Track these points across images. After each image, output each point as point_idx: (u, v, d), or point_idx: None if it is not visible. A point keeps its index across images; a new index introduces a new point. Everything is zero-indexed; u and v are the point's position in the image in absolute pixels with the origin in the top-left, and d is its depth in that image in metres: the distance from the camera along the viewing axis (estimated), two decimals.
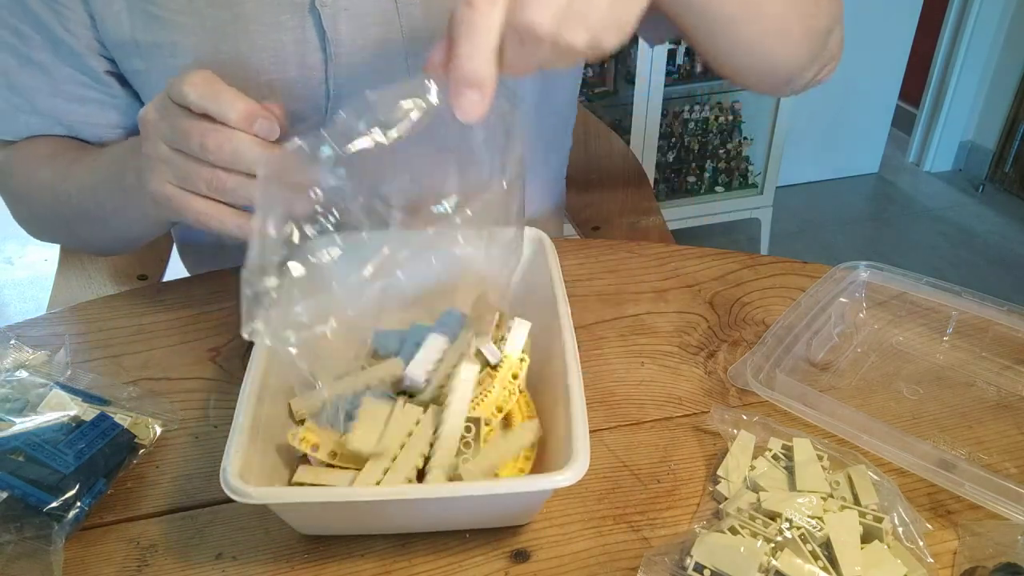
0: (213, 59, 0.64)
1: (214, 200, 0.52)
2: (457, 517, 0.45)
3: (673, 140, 2.12)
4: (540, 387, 0.53)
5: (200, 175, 0.51)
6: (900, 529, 0.43)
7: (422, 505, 0.42)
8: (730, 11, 0.56)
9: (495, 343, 0.52)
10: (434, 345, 0.50)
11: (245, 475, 0.40)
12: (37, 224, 0.75)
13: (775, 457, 0.48)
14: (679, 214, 2.10)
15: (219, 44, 0.63)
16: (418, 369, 0.49)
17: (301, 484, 0.45)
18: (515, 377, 0.50)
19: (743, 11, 0.56)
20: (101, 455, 0.47)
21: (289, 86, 0.66)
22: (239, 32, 0.63)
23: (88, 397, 0.52)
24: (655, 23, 0.63)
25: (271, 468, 0.45)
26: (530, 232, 0.58)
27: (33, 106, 0.69)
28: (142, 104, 0.69)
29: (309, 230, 0.44)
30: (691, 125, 2.12)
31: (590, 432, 0.42)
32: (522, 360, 0.52)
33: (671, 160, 2.14)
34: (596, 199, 1.01)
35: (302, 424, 0.50)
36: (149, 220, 0.62)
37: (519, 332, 0.53)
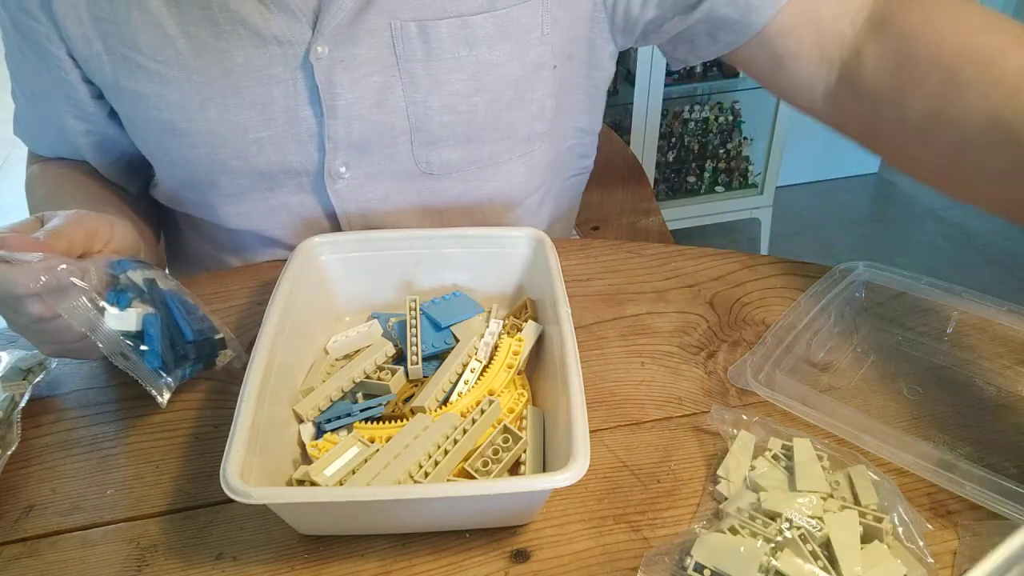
0: (198, 115, 0.62)
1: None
2: (457, 517, 0.45)
3: (673, 140, 2.12)
4: (540, 387, 0.53)
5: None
6: (900, 529, 0.43)
7: (421, 505, 0.42)
8: None
9: (508, 334, 0.54)
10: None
11: (245, 475, 0.40)
12: None
13: (775, 457, 0.48)
14: (679, 214, 2.10)
15: (206, 100, 0.61)
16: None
17: (301, 484, 0.45)
18: (516, 354, 0.53)
19: None
20: (207, 344, 0.54)
21: (278, 142, 0.63)
22: (228, 88, 0.61)
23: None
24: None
25: (271, 468, 0.44)
26: (531, 232, 0.59)
27: (48, 132, 0.72)
28: (133, 144, 0.69)
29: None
30: (691, 125, 2.12)
31: (590, 432, 0.42)
32: (520, 340, 0.53)
33: (671, 160, 2.14)
34: (596, 199, 1.01)
35: (301, 424, 0.50)
36: None
37: (529, 334, 0.54)
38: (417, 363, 0.53)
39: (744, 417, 0.50)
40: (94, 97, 0.66)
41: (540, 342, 0.55)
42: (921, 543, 0.42)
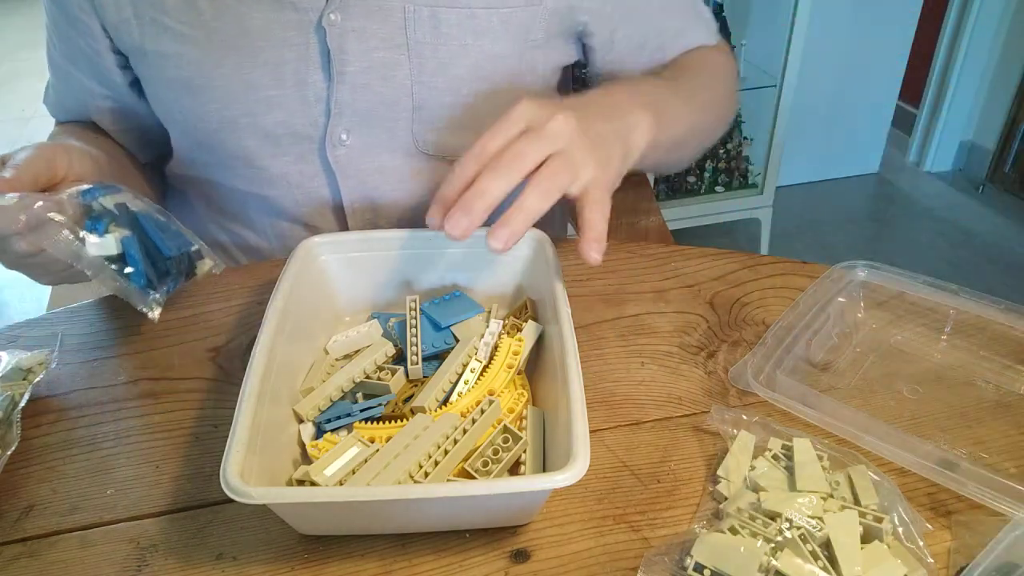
0: (214, 72, 0.65)
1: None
2: (457, 517, 0.45)
3: None
4: (540, 387, 0.53)
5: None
6: (900, 529, 0.43)
7: (421, 505, 0.42)
8: (662, 161, 0.74)
9: (509, 334, 0.54)
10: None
11: (245, 475, 0.40)
12: None
13: (775, 457, 0.48)
14: (679, 214, 2.09)
15: (222, 58, 0.65)
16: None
17: (302, 484, 0.45)
18: (516, 354, 0.53)
19: (674, 157, 0.75)
20: (184, 257, 0.57)
21: (286, 102, 0.67)
22: (244, 47, 0.64)
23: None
24: None
25: (271, 468, 0.44)
26: (531, 232, 0.58)
27: (72, 98, 0.75)
28: (150, 115, 0.74)
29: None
30: None
31: (591, 432, 0.42)
32: (520, 340, 0.53)
33: None
34: None
35: (301, 424, 0.50)
36: None
37: (529, 334, 0.54)
38: (417, 363, 0.53)
39: (744, 417, 0.50)
40: (120, 67, 0.71)
41: (540, 342, 0.55)
42: (921, 543, 0.42)
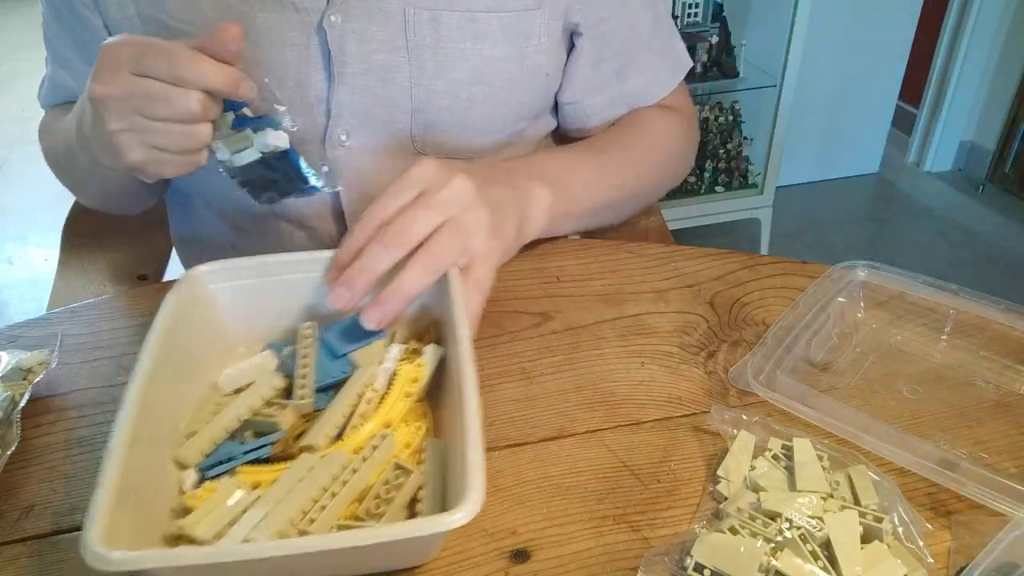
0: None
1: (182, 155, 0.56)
2: (346, 565, 0.42)
3: None
4: (443, 415, 0.50)
5: (168, 133, 0.54)
6: (900, 529, 0.43)
7: (302, 560, 0.37)
8: (585, 226, 0.74)
9: (409, 359, 0.52)
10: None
11: (112, 536, 0.36)
12: (63, 182, 0.78)
13: (775, 457, 0.48)
14: (679, 214, 2.10)
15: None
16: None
17: (179, 539, 0.41)
18: (415, 381, 0.50)
19: (603, 219, 0.76)
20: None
21: (286, 103, 0.66)
22: (245, 47, 0.64)
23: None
24: None
25: (147, 522, 0.40)
26: None
27: (64, 94, 0.76)
28: None
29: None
30: None
31: (591, 432, 0.42)
32: (419, 366, 0.50)
33: None
34: None
35: (185, 470, 0.46)
36: (118, 174, 0.65)
37: (430, 359, 0.51)
38: (306, 397, 0.48)
39: (744, 417, 0.50)
40: None
41: (442, 366, 0.51)
42: (921, 543, 0.42)
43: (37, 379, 0.54)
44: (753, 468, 0.47)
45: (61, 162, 0.74)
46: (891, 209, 2.44)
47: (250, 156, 0.58)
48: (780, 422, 0.50)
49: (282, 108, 0.59)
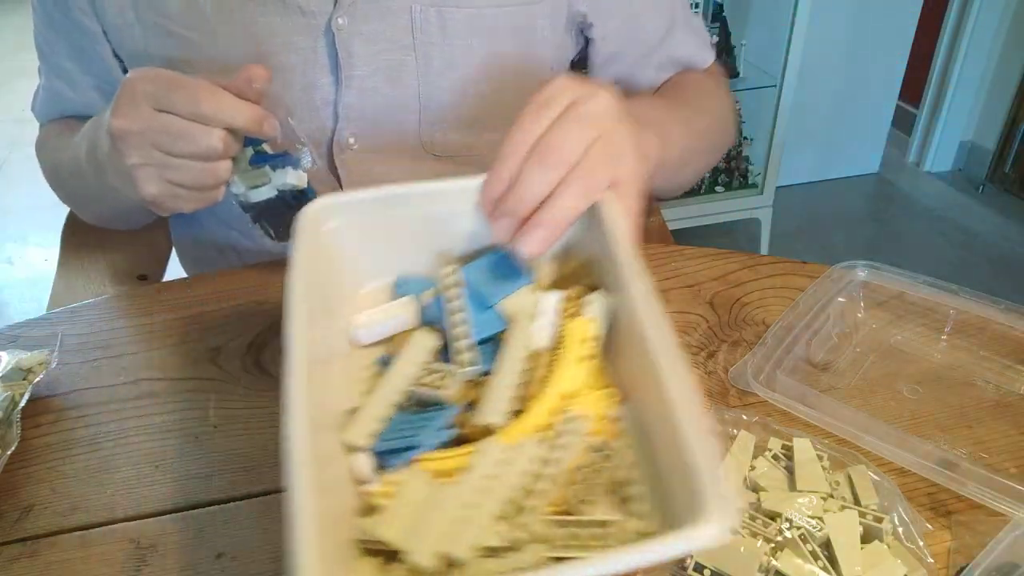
0: (219, 78, 0.62)
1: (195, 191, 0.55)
2: None
3: None
4: (618, 379, 0.41)
5: (187, 171, 0.53)
6: (900, 529, 0.43)
7: None
8: (665, 184, 0.71)
9: (567, 310, 0.43)
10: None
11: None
12: (64, 199, 0.78)
13: (775, 457, 0.48)
14: (679, 214, 2.09)
15: (228, 62, 0.64)
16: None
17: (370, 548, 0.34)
18: (584, 340, 0.41)
19: (675, 181, 0.73)
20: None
21: (293, 107, 0.66)
22: (250, 52, 0.64)
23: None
24: None
25: (329, 525, 0.32)
26: None
27: (62, 107, 0.75)
28: None
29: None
30: None
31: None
32: (589, 321, 0.42)
33: None
34: None
35: (354, 453, 0.38)
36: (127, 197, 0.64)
37: (599, 311, 0.43)
38: (471, 363, 0.41)
39: (744, 417, 0.50)
40: (121, 70, 0.70)
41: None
42: (921, 543, 0.42)
43: (37, 379, 0.55)
44: (753, 468, 0.47)
45: (67, 181, 0.73)
46: (891, 209, 2.44)
47: (267, 193, 0.57)
48: (780, 422, 0.50)
49: (303, 147, 0.58)
